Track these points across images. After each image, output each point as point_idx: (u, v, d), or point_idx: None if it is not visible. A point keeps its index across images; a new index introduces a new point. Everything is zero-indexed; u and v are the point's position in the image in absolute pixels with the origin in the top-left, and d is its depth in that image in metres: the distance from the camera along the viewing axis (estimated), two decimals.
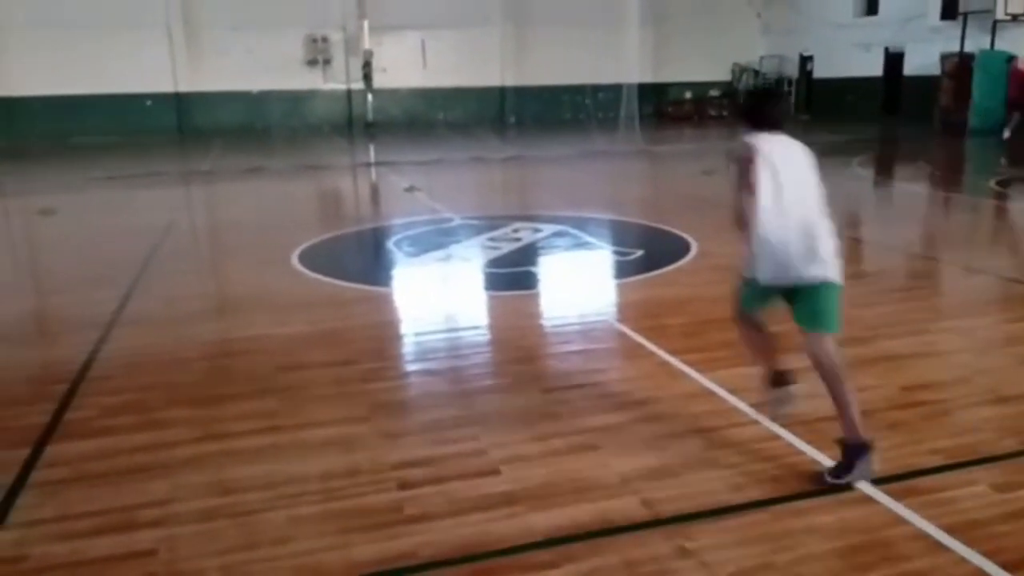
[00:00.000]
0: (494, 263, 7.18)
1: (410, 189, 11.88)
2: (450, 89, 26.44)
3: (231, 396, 4.13)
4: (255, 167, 15.52)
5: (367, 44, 24.61)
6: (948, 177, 13.83)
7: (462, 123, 25.92)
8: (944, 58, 20.57)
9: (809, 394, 3.40)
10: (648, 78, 27.65)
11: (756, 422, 3.61)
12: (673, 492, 3.05)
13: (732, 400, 3.84)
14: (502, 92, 27.26)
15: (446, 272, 7.06)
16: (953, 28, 20.30)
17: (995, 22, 19.20)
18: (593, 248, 7.90)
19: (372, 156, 18.07)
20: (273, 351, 4.84)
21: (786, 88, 27.65)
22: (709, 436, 3.51)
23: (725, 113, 27.83)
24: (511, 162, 16.39)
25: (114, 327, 5.38)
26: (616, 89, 26.76)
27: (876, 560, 2.60)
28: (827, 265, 3.08)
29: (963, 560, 2.58)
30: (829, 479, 3.06)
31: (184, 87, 24.50)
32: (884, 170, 15.17)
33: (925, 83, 21.34)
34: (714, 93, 28.75)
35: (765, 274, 3.12)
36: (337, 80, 25.76)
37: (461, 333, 5.26)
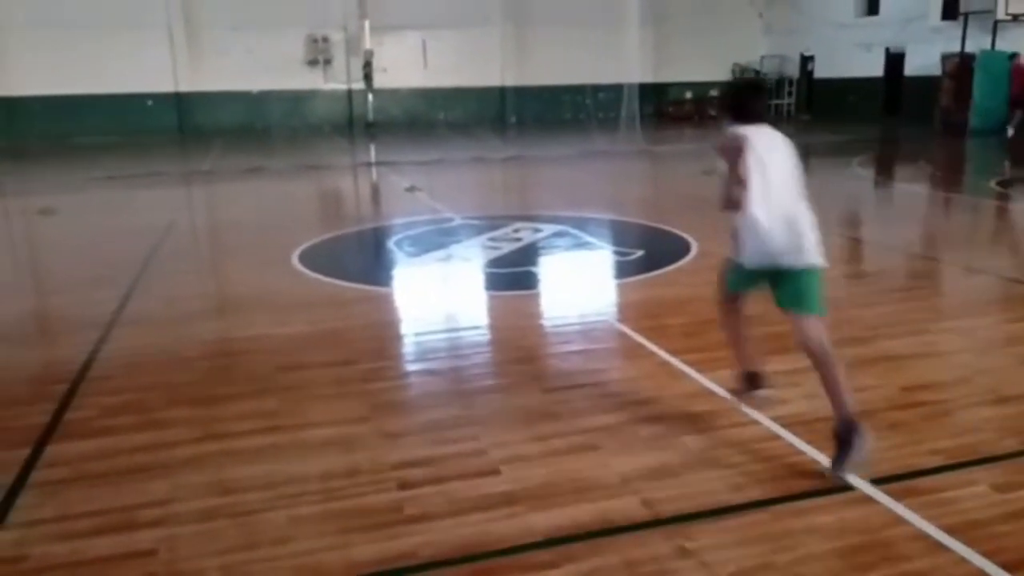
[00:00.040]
0: (494, 263, 7.18)
1: (411, 189, 11.88)
2: (451, 89, 26.45)
3: (231, 396, 4.13)
4: (256, 167, 15.52)
5: (368, 44, 24.63)
6: (949, 177, 13.82)
7: (463, 123, 25.93)
8: (945, 58, 20.58)
9: (809, 394, 3.40)
10: (648, 78, 27.65)
11: (756, 422, 3.61)
12: (673, 492, 3.05)
13: (732, 400, 3.84)
14: (502, 92, 27.27)
15: (446, 272, 7.06)
16: (954, 28, 20.31)
17: (996, 22, 19.22)
18: (593, 248, 7.90)
19: (373, 156, 18.08)
20: (273, 351, 4.84)
21: (786, 88, 27.70)
22: (709, 436, 3.50)
23: None
24: (512, 162, 16.39)
25: (114, 327, 5.38)
26: (616, 89, 26.76)
27: (876, 560, 2.60)
28: (812, 250, 3.17)
29: (963, 560, 2.58)
30: (833, 472, 3.07)
31: (185, 87, 24.52)
32: (884, 170, 15.16)
33: (926, 83, 21.35)
34: (715, 93, 28.63)
35: (752, 259, 3.24)
36: (338, 80, 25.78)
37: (461, 333, 5.26)
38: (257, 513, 2.97)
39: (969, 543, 2.64)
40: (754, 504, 2.95)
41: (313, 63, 25.46)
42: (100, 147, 20.46)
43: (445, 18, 25.59)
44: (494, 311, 5.94)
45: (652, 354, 4.62)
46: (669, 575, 2.56)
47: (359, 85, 25.23)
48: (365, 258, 8.18)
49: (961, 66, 19.77)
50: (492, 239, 8.05)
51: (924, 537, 2.71)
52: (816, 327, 3.13)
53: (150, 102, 24.27)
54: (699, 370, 4.25)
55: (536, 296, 6.32)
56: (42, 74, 22.89)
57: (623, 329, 5.15)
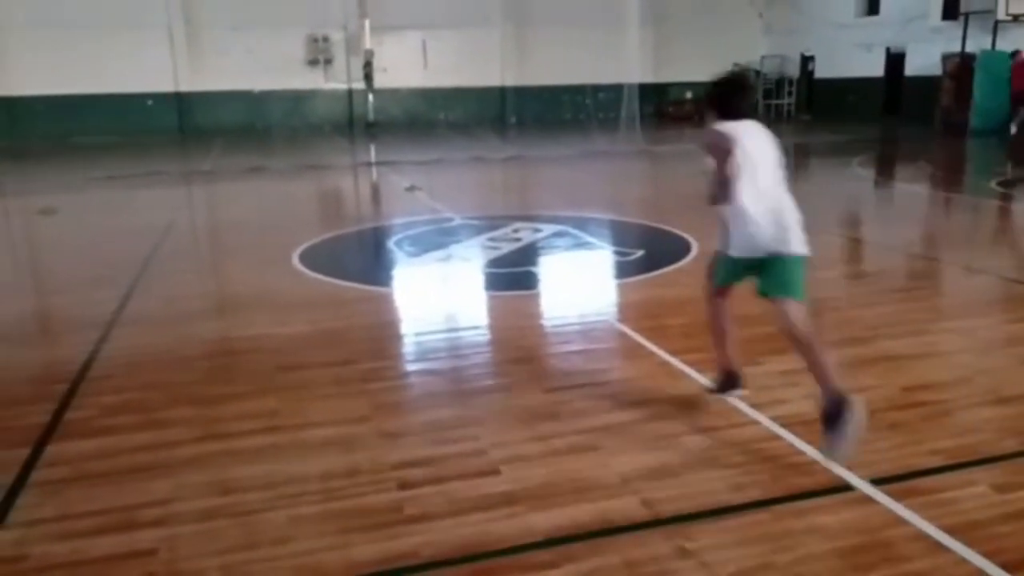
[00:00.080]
0: (494, 263, 7.18)
1: (411, 189, 11.88)
2: (451, 89, 26.46)
3: (231, 396, 4.13)
4: (256, 167, 15.52)
5: (368, 44, 24.63)
6: (949, 177, 13.82)
7: (463, 123, 25.93)
8: (945, 58, 20.57)
9: (809, 394, 3.40)
10: (649, 78, 27.63)
11: (756, 422, 3.61)
12: (673, 492, 3.05)
13: (732, 400, 3.84)
14: (503, 92, 27.27)
15: (446, 272, 7.06)
16: (954, 28, 20.30)
17: (996, 22, 19.20)
18: (593, 248, 7.90)
19: (373, 156, 18.08)
20: (273, 351, 4.84)
21: (787, 88, 27.69)
22: (709, 436, 3.50)
23: None
24: (511, 162, 16.39)
25: (114, 327, 5.38)
26: (616, 89, 26.73)
27: (876, 560, 2.60)
28: (796, 241, 3.30)
29: (963, 561, 2.58)
30: (827, 454, 3.08)
31: (185, 87, 24.52)
32: (885, 170, 15.15)
33: (926, 83, 21.34)
34: None
35: (740, 250, 3.37)
36: (338, 80, 25.78)
37: (461, 333, 5.26)
38: (257, 513, 2.98)
39: (969, 543, 2.64)
40: (754, 504, 2.95)
41: (313, 63, 25.46)
42: (100, 147, 20.46)
43: (445, 18, 25.60)
44: (494, 311, 5.94)
45: (652, 354, 4.62)
46: (669, 575, 2.56)
47: (359, 85, 25.23)
48: (365, 258, 8.18)
49: (961, 66, 19.77)
50: (492, 239, 8.05)
51: (924, 537, 2.71)
52: (800, 311, 3.24)
53: (150, 102, 24.27)
54: (699, 370, 4.24)
55: (536, 296, 6.32)
56: (42, 74, 22.90)
57: (623, 329, 5.15)
